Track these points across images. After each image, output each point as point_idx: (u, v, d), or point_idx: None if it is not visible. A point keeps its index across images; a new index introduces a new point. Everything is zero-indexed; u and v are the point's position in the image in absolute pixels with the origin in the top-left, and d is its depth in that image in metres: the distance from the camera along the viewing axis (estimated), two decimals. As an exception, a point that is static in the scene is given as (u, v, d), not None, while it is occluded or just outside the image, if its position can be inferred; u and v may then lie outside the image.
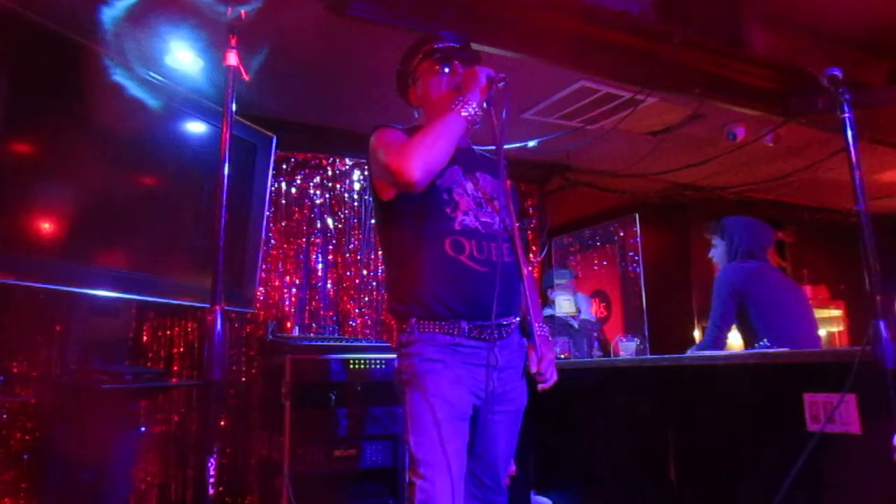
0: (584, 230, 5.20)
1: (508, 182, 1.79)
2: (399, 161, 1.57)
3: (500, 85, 1.68)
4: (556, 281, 4.35)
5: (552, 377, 1.72)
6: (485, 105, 1.68)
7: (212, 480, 1.35)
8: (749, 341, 2.99)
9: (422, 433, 1.60)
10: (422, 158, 1.57)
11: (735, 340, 3.33)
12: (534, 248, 4.65)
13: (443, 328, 1.65)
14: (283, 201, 3.85)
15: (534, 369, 1.69)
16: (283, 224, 3.83)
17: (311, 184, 3.96)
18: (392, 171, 1.59)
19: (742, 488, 2.24)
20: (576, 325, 4.23)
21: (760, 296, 2.94)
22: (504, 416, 1.73)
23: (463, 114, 1.64)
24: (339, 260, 3.96)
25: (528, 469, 3.25)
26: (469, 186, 1.77)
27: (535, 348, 1.71)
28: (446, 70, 1.80)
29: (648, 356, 3.42)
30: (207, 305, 1.39)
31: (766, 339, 2.74)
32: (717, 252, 3.27)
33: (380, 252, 3.97)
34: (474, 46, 1.95)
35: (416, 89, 1.86)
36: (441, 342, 1.65)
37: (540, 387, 1.71)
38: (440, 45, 1.83)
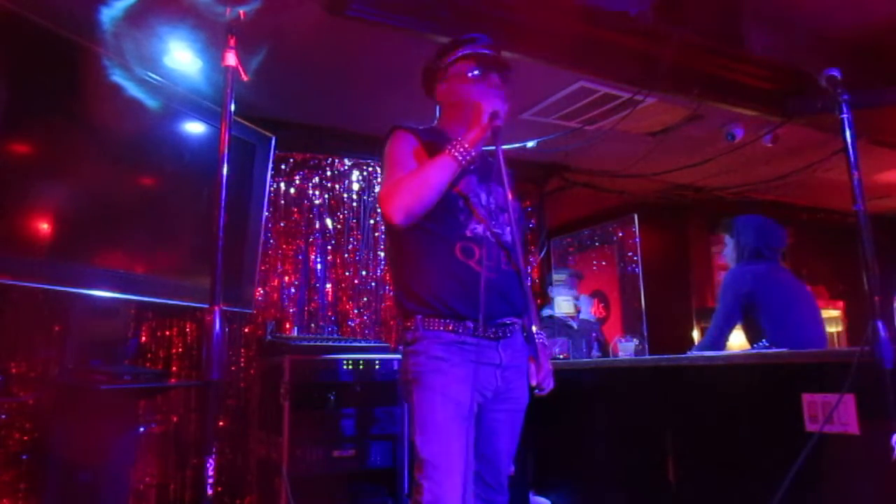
0: (583, 230, 5.20)
1: (515, 199, 1.83)
2: (387, 199, 1.65)
3: (498, 122, 1.66)
4: (555, 279, 4.36)
5: (549, 386, 1.79)
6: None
7: (210, 481, 1.35)
8: (754, 342, 2.97)
9: (429, 433, 1.61)
10: (406, 204, 1.63)
11: (735, 340, 3.33)
12: (532, 248, 4.65)
13: (448, 326, 1.67)
14: (282, 201, 3.85)
15: (533, 382, 1.75)
16: (281, 224, 3.83)
17: (310, 184, 3.96)
18: (380, 204, 1.69)
19: (741, 489, 2.24)
20: (574, 325, 4.24)
21: (769, 297, 2.90)
22: (506, 415, 1.75)
23: (456, 156, 1.65)
24: (338, 260, 3.95)
25: (526, 469, 3.25)
26: (483, 196, 1.79)
27: (535, 359, 1.76)
28: (476, 73, 1.80)
29: (647, 356, 3.42)
30: (206, 306, 1.40)
31: (765, 340, 2.73)
32: (727, 251, 3.25)
33: (380, 251, 3.98)
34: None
35: (444, 87, 1.88)
36: (447, 340, 1.66)
37: (537, 393, 1.77)
38: (477, 51, 1.83)
